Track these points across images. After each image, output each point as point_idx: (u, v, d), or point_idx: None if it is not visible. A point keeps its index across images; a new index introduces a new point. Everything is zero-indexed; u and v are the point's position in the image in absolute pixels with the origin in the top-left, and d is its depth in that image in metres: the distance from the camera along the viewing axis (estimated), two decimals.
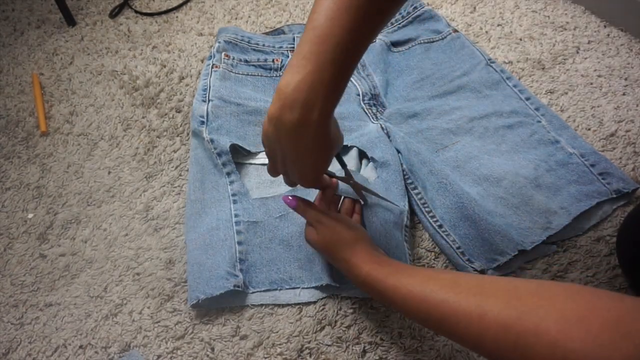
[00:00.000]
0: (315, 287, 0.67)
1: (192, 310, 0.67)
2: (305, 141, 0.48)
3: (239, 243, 0.70)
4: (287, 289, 0.68)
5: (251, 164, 0.81)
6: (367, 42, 0.48)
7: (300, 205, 0.62)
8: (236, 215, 0.72)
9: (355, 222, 0.64)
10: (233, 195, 0.75)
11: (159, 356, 0.64)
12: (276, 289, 0.68)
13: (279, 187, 0.77)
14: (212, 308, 0.67)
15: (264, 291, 0.68)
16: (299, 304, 0.67)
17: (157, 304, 0.68)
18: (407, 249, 0.69)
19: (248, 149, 0.80)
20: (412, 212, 0.74)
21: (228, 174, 0.77)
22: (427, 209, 0.73)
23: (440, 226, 0.71)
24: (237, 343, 0.64)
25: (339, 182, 0.67)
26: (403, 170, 0.76)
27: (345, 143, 0.80)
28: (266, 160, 0.80)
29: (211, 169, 0.77)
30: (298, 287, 0.67)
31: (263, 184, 0.78)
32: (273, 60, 0.92)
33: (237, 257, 0.69)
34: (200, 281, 0.66)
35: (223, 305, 0.67)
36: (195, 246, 0.70)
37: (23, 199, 0.81)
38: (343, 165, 0.65)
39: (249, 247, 0.70)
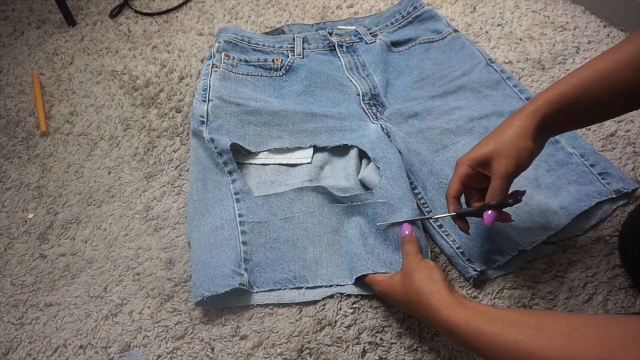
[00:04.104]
0: (320, 286, 0.67)
1: (192, 310, 0.67)
2: None
3: (244, 243, 0.70)
4: (291, 288, 0.68)
5: (251, 164, 0.81)
6: None
7: (415, 235, 0.65)
8: (240, 215, 0.72)
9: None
10: (236, 193, 0.75)
11: (159, 356, 0.64)
12: (280, 289, 0.68)
13: (279, 187, 0.77)
14: (213, 308, 0.67)
15: (267, 291, 0.68)
16: (299, 303, 0.67)
17: (157, 304, 0.68)
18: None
19: (248, 148, 0.80)
20: None
21: (230, 172, 0.76)
22: (427, 209, 0.73)
23: (440, 226, 0.71)
24: (237, 343, 0.64)
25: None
26: None
27: (345, 143, 0.80)
28: (266, 160, 0.81)
29: (213, 168, 0.77)
30: (302, 287, 0.67)
31: (263, 184, 0.78)
32: (273, 60, 0.92)
33: (241, 256, 0.69)
34: (205, 279, 0.66)
35: (227, 305, 0.67)
36: (199, 245, 0.70)
37: (23, 199, 0.81)
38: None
39: (253, 247, 0.70)
